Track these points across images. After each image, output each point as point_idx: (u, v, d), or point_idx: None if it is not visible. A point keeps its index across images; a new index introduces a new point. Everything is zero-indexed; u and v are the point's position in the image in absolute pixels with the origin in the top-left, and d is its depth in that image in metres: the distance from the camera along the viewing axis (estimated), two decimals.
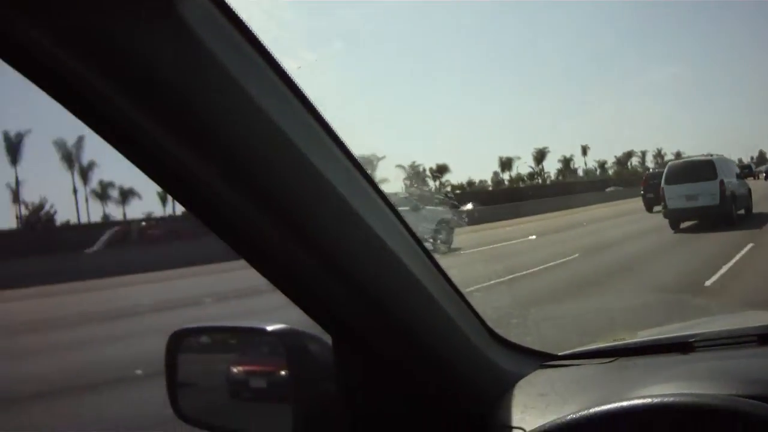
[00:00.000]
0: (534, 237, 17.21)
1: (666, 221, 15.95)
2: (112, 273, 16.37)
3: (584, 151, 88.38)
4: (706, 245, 12.41)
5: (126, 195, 61.14)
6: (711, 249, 11.44)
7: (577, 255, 11.68)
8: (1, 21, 0.59)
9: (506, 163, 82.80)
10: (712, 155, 17.09)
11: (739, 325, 1.35)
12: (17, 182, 53.85)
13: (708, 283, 7.68)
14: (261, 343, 1.25)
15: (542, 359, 1.24)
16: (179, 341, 1.24)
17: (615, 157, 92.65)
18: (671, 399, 0.87)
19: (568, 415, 0.91)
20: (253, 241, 0.85)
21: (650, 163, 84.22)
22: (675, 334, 1.29)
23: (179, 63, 0.66)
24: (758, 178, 30.38)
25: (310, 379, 1.06)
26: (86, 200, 59.56)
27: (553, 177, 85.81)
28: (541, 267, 10.78)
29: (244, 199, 0.78)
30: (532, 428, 0.96)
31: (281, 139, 0.76)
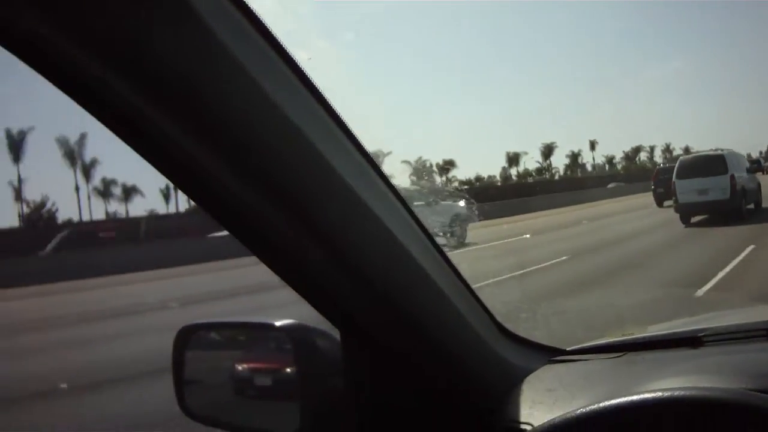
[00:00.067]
0: (540, 234, 17.19)
1: (676, 216, 15.89)
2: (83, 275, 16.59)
3: (592, 146, 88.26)
4: (716, 240, 12.36)
5: (129, 192, 61.48)
6: (719, 244, 11.42)
7: (577, 254, 11.71)
8: (9, 12, 0.59)
9: (513, 159, 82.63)
10: (722, 150, 17.00)
11: (748, 319, 1.34)
12: (19, 180, 54.28)
13: (715, 279, 7.66)
14: (269, 339, 1.24)
15: (551, 354, 1.24)
16: (187, 337, 1.23)
17: (623, 152, 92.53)
18: (681, 393, 0.86)
19: (576, 410, 0.90)
20: (264, 234, 0.84)
21: (659, 158, 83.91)
22: (684, 329, 1.28)
23: (190, 55, 0.66)
24: (767, 173, 30.11)
25: (317, 375, 1.06)
26: (88, 198, 60.01)
27: (561, 172, 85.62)
28: (553, 261, 10.81)
29: (255, 193, 0.78)
30: (540, 423, 0.96)
31: (292, 132, 0.76)
